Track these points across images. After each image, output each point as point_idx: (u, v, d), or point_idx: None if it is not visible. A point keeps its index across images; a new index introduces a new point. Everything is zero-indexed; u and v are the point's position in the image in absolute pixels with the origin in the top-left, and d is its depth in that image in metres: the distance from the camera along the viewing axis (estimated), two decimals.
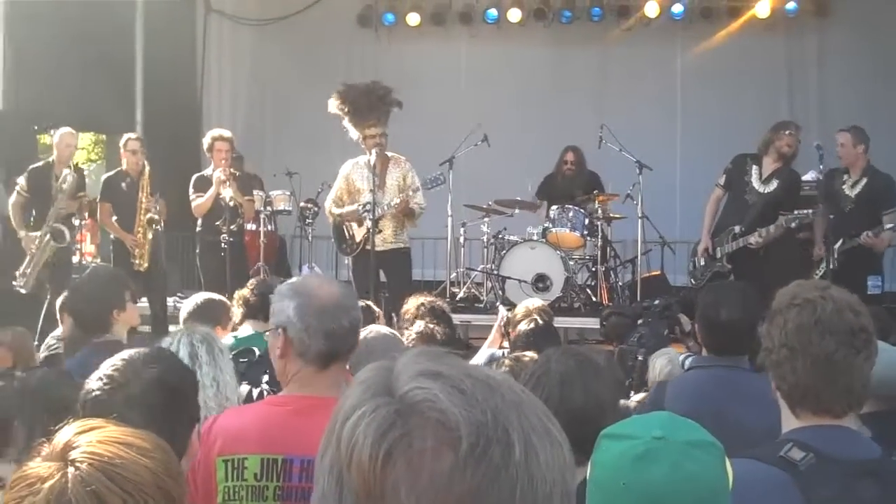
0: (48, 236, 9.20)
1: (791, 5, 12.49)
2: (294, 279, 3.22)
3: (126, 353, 2.60)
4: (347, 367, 3.98)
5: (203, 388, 3.14)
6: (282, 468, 2.78)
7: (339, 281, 3.14)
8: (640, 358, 6.24)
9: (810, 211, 8.24)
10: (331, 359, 2.90)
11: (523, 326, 5.70)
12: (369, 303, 5.68)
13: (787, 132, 8.48)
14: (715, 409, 3.76)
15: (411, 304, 5.81)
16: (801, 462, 2.29)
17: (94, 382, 2.49)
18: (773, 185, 8.45)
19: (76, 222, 9.59)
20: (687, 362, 5.00)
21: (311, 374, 2.90)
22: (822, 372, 2.36)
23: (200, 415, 2.69)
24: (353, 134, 8.65)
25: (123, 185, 9.61)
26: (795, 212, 8.20)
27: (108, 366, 2.53)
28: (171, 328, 6.11)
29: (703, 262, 8.82)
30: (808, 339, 2.36)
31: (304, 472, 2.76)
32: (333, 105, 8.67)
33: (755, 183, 8.52)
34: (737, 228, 8.49)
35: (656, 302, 8.31)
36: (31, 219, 9.52)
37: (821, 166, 8.18)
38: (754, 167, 8.56)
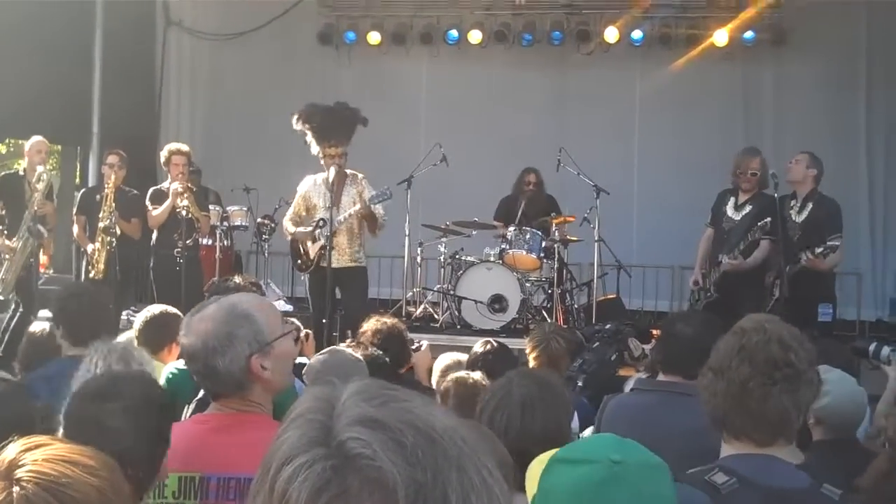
0: (27, 234, 9.09)
1: (749, 34, 12.62)
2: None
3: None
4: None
5: None
6: (199, 486, 2.77)
7: (227, 312, 2.88)
8: (580, 384, 6.29)
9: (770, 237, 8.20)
10: (210, 394, 2.95)
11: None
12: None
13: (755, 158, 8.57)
14: (644, 434, 3.79)
15: (370, 325, 5.76)
16: (723, 486, 2.37)
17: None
18: (747, 209, 8.50)
19: (43, 229, 9.48)
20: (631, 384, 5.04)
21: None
22: (737, 397, 2.44)
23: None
24: (314, 149, 8.64)
25: (98, 197, 9.61)
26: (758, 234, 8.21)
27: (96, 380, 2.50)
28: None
29: (697, 296, 8.91)
30: (729, 365, 2.45)
31: (221, 489, 2.76)
32: (295, 122, 8.67)
33: (730, 212, 8.62)
34: (720, 257, 8.53)
35: (607, 326, 8.37)
36: (2, 226, 9.43)
37: (775, 195, 8.22)
38: (731, 198, 8.67)
